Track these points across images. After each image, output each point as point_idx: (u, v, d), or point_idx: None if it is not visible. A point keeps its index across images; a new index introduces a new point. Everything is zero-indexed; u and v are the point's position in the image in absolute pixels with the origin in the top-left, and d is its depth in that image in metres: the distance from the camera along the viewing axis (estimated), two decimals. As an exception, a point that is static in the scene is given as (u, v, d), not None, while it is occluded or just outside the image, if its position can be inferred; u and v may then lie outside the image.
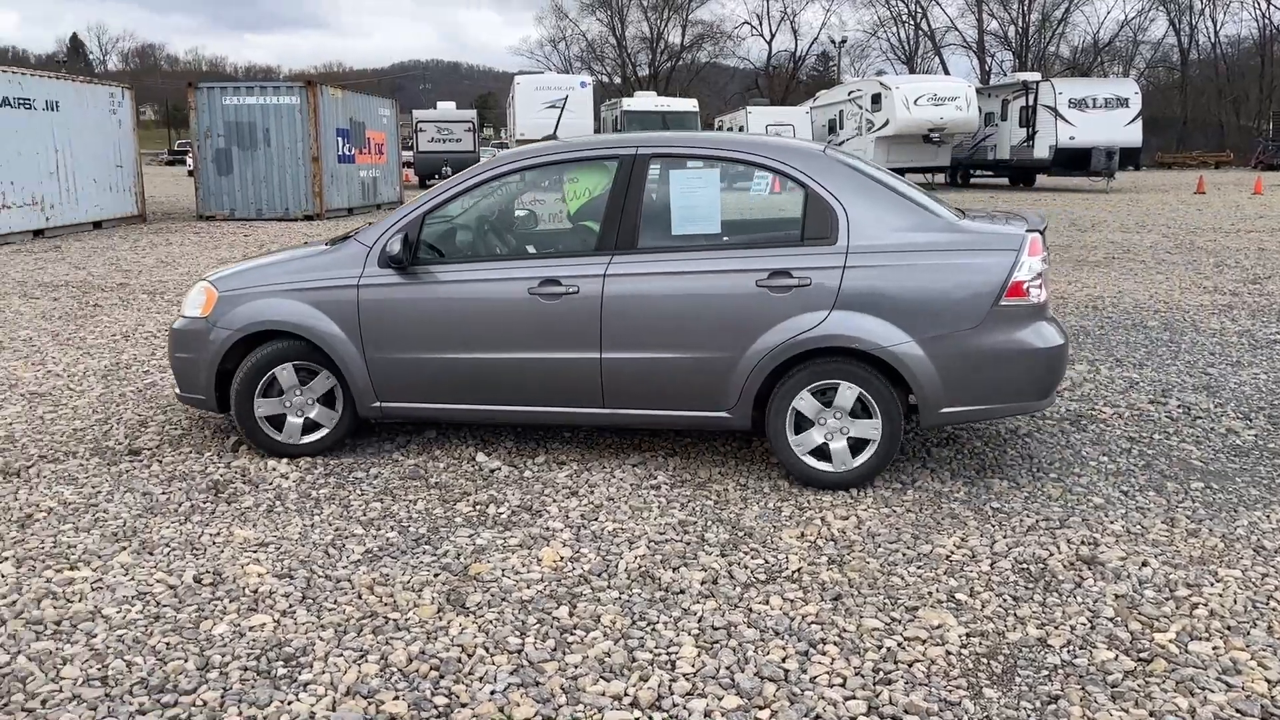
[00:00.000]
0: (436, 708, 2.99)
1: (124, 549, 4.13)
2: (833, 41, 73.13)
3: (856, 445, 4.73)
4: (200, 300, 5.31)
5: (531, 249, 5.42)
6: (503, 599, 3.67)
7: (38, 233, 17.63)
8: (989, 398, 4.69)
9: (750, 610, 3.57)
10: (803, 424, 4.75)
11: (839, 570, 3.89)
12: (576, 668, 3.21)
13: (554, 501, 4.64)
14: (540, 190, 6.21)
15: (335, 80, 24.25)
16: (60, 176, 18.25)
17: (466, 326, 4.97)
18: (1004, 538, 4.21)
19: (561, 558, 4.02)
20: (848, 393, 4.66)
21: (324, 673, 3.18)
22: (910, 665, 3.22)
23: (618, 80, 67.27)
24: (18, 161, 17.08)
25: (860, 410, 4.70)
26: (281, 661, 3.25)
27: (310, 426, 5.28)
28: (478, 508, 4.59)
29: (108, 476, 5.01)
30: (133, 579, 3.86)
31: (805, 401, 4.70)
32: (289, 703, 3.02)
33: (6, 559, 4.03)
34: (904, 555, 4.03)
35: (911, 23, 74.40)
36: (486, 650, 3.32)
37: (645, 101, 33.73)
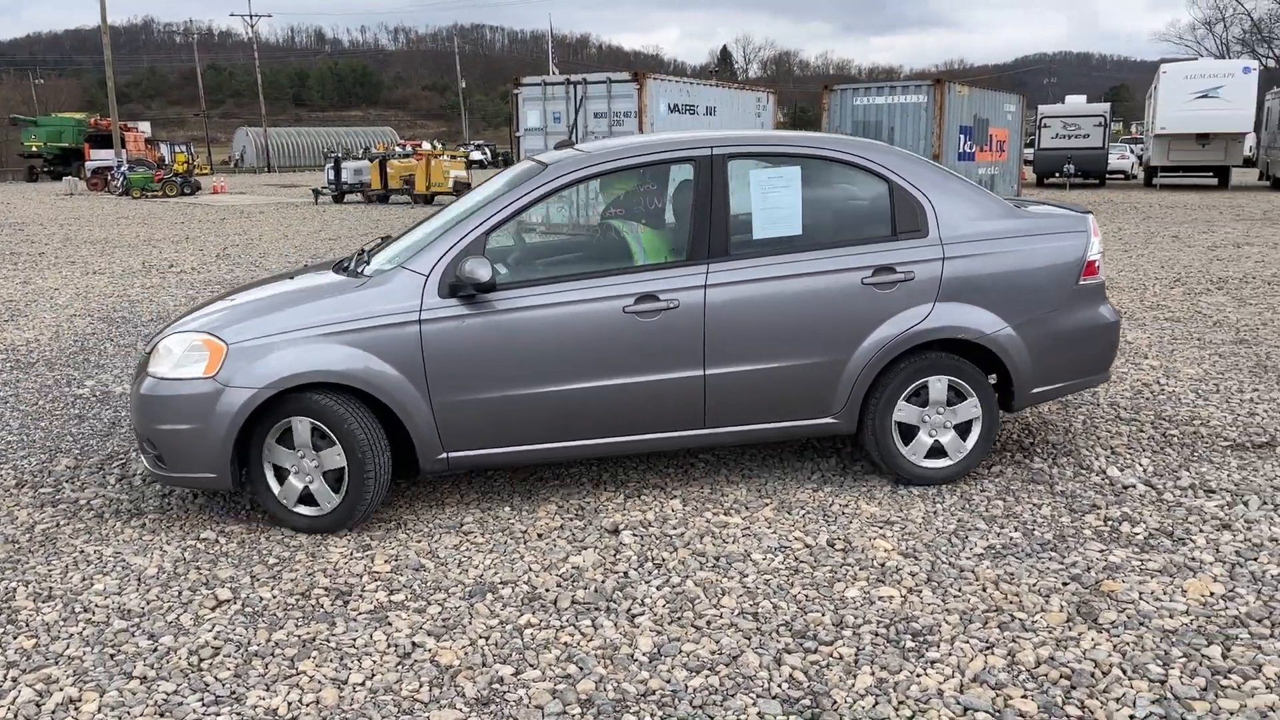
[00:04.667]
0: (1069, 717, 2.90)
1: (766, 505, 4.62)
2: None
3: (938, 449, 4.77)
4: (200, 356, 4.31)
5: (608, 263, 4.86)
6: (1141, 623, 3.43)
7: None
8: (1066, 374, 4.92)
9: None
10: (911, 419, 4.74)
11: None
12: (1233, 715, 2.89)
13: (1201, 531, 4.20)
14: (615, 199, 5.55)
15: (956, 78, 24.10)
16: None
17: (556, 356, 4.41)
18: None
19: (1211, 594, 3.64)
20: (973, 408, 4.75)
21: (950, 655, 3.26)
22: None
23: (1287, 63, 57.72)
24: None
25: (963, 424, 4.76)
26: (909, 635, 3.40)
27: (306, 498, 4.42)
28: (1109, 523, 4.33)
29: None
30: (775, 532, 4.30)
31: (939, 385, 4.70)
32: (917, 675, 3.15)
33: (675, 497, 4.74)
34: None
35: None
36: (1123, 671, 3.13)
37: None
